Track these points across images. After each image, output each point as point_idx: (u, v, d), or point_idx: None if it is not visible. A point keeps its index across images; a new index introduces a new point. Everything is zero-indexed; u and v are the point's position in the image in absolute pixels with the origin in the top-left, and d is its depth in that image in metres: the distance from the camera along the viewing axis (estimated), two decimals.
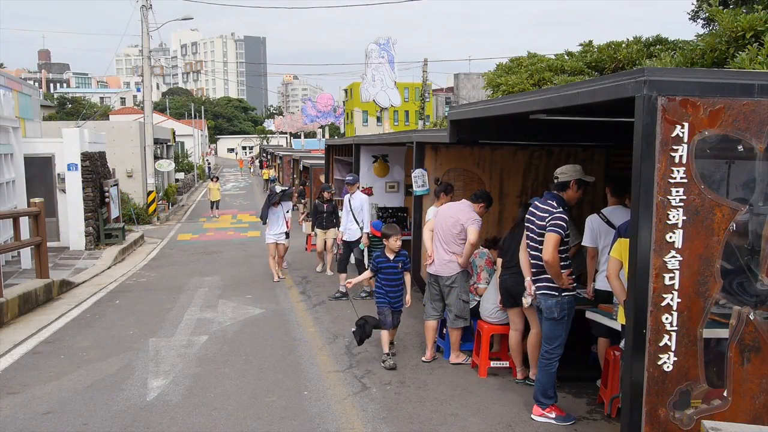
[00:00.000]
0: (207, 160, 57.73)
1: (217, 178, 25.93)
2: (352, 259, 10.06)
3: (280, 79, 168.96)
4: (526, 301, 5.41)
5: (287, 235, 11.40)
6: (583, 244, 5.89)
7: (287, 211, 11.27)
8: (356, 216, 9.69)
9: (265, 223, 11.14)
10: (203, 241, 17.65)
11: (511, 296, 5.82)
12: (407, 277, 6.71)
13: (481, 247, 6.76)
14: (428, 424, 5.10)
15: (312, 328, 8.05)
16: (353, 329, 6.66)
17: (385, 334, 6.58)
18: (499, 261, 6.07)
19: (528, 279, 5.33)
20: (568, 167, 5.15)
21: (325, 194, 11.52)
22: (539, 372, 5.20)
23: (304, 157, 23.37)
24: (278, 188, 11.47)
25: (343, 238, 9.94)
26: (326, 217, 11.50)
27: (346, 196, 9.92)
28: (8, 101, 13.28)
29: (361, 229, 9.62)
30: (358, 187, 10.07)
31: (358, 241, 9.70)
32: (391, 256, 6.61)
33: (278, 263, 11.42)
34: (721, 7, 9.15)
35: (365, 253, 9.83)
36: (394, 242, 6.58)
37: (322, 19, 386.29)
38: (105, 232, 15.36)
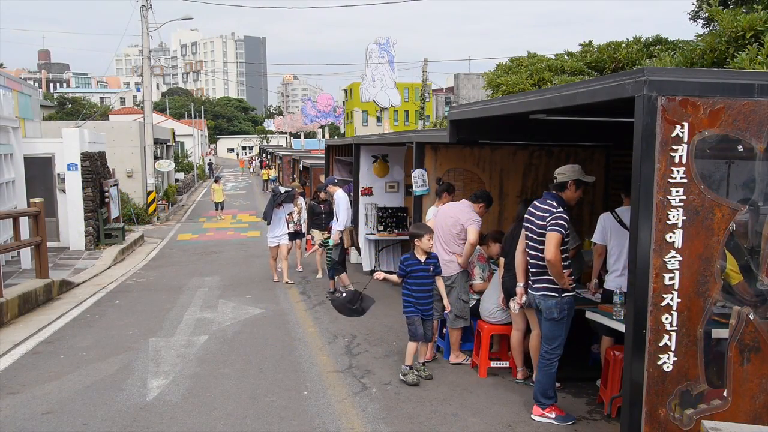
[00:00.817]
0: (207, 159, 57.67)
1: (219, 179, 25.88)
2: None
3: (280, 79, 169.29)
4: (513, 306, 5.42)
5: (299, 234, 11.46)
6: (592, 240, 5.93)
7: (289, 213, 11.26)
8: (337, 216, 9.69)
9: (269, 223, 11.05)
10: (203, 241, 17.66)
11: (512, 297, 5.81)
12: (440, 282, 6.16)
13: None
14: (428, 424, 5.10)
15: (312, 328, 8.05)
16: (344, 294, 6.47)
17: (412, 347, 6.06)
18: (501, 261, 6.08)
19: (520, 285, 5.34)
20: (567, 167, 5.16)
21: (321, 195, 11.44)
22: (539, 372, 5.20)
23: (304, 157, 23.39)
24: (282, 189, 11.40)
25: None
26: (325, 218, 11.48)
27: None
28: (8, 101, 13.28)
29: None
30: (336, 185, 10.07)
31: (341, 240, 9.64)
32: (423, 258, 6.01)
33: (284, 266, 11.36)
34: (721, 7, 9.14)
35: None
36: (427, 241, 5.95)
37: (322, 19, 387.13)
38: (105, 232, 15.37)
